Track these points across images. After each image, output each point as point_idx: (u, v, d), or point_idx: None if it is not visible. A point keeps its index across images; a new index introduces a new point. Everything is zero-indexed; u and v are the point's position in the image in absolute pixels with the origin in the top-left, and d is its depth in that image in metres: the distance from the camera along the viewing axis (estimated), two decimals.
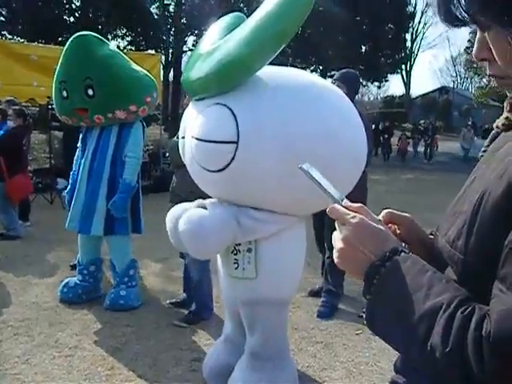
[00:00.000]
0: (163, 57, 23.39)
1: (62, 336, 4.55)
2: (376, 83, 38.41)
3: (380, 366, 4.10)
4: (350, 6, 27.36)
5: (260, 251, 2.89)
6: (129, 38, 27.04)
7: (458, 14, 0.95)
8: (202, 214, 2.77)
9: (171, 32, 26.27)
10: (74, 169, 5.29)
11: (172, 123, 18.82)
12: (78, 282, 5.33)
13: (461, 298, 0.94)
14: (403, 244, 1.14)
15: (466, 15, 0.94)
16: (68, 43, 4.98)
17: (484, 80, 30.04)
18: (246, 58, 2.51)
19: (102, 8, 23.15)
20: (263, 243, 2.89)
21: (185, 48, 26.21)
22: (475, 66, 26.95)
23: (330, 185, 1.15)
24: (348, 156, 2.79)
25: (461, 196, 1.15)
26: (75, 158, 5.34)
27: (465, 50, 33.18)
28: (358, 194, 4.47)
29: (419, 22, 46.42)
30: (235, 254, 2.92)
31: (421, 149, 25.79)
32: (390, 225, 1.23)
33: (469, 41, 28.56)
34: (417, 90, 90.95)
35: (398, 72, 41.40)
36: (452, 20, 0.98)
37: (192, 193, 3.23)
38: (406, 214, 1.30)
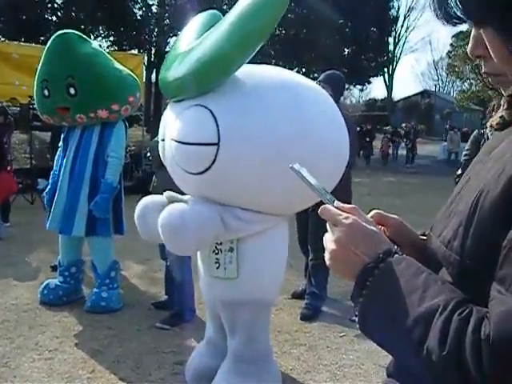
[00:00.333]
0: (146, 57, 23.29)
1: (42, 338, 4.48)
2: (359, 86, 38.61)
3: (364, 368, 4.09)
4: (334, 9, 27.43)
5: (242, 251, 2.86)
6: (112, 38, 26.90)
7: (454, 10, 0.93)
8: (184, 209, 2.70)
9: (154, 32, 26.17)
10: (54, 168, 5.22)
11: (154, 124, 18.75)
12: (59, 283, 5.26)
13: (457, 300, 0.92)
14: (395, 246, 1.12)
15: (462, 12, 0.92)
16: (50, 41, 4.92)
17: (466, 84, 30.31)
18: (225, 55, 2.48)
19: (85, 7, 22.97)
20: (245, 243, 2.86)
21: (167, 49, 26.10)
22: (457, 70, 27.20)
23: (320, 185, 1.13)
24: (330, 156, 2.79)
25: (455, 196, 1.13)
26: (56, 157, 5.27)
27: (447, 53, 33.44)
28: (342, 195, 4.47)
29: (402, 26, 46.75)
30: (216, 254, 2.89)
31: (402, 152, 25.94)
32: (378, 226, 1.21)
33: (451, 45, 28.82)
34: (399, 94, 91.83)
35: (380, 75, 41.60)
36: (448, 17, 0.96)
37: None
38: (395, 216, 1.28)
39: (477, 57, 1.02)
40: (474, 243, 0.97)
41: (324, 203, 1.12)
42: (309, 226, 4.96)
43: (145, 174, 12.14)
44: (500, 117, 1.10)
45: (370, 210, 1.26)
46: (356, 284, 1.03)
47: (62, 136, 5.23)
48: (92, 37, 24.15)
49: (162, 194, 3.95)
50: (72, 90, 4.74)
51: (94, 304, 5.03)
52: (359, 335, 4.44)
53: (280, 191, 2.62)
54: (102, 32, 26.66)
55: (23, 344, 4.36)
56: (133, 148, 14.32)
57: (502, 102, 1.10)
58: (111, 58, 5.12)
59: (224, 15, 2.91)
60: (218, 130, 2.53)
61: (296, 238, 5.35)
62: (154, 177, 4.81)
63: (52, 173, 5.26)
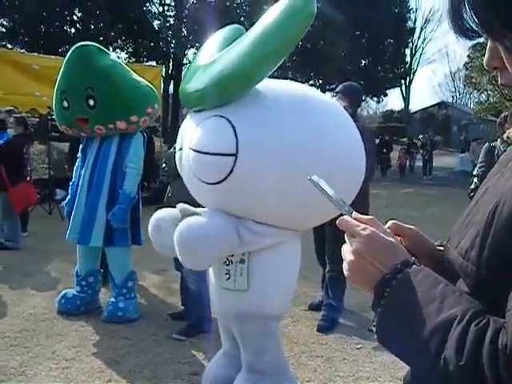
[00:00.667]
0: (164, 69, 23.44)
1: (59, 348, 4.50)
2: (375, 98, 38.54)
3: (380, 380, 4.06)
4: (351, 20, 27.50)
5: (253, 263, 2.84)
6: (130, 50, 27.14)
7: (470, 23, 0.93)
8: (201, 223, 2.68)
9: (172, 44, 26.35)
10: (73, 179, 5.26)
11: (171, 135, 18.84)
12: (76, 293, 5.29)
13: (474, 311, 0.92)
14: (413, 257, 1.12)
15: (478, 25, 0.92)
16: (69, 53, 4.98)
17: (483, 95, 30.12)
18: (247, 69, 2.49)
19: (104, 20, 23.21)
20: (256, 255, 2.84)
21: (185, 60, 26.28)
22: (474, 81, 27.03)
23: (339, 197, 1.14)
24: (347, 169, 2.78)
25: (473, 207, 1.13)
26: (74, 168, 5.32)
27: (464, 65, 33.26)
28: (360, 207, 4.46)
29: (419, 38, 46.75)
30: (227, 265, 2.87)
31: (418, 163, 25.70)
32: (395, 237, 1.21)
33: (468, 56, 28.66)
34: (416, 105, 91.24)
35: (397, 86, 41.54)
36: (464, 31, 0.96)
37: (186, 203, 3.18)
38: (412, 226, 1.28)
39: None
40: (490, 254, 0.97)
41: (342, 214, 1.12)
42: (326, 237, 4.95)
43: (161, 184, 12.18)
44: None
45: (387, 221, 1.26)
46: (374, 295, 1.04)
47: (81, 147, 5.27)
48: (110, 48, 24.37)
49: (176, 205, 3.96)
50: (91, 102, 4.78)
51: (111, 314, 5.05)
52: (376, 347, 4.42)
53: (295, 205, 2.62)
54: (120, 44, 26.92)
55: (40, 353, 4.39)
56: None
57: None
58: (130, 70, 5.16)
59: (241, 28, 2.94)
60: (237, 141, 2.54)
61: (313, 249, 5.34)
62: (169, 187, 4.83)
63: (71, 184, 5.30)
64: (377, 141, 23.58)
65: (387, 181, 20.91)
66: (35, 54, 13.87)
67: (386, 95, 38.67)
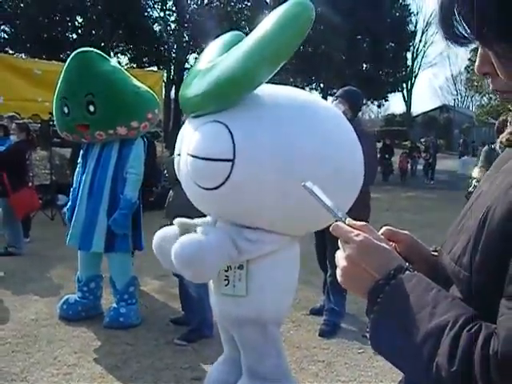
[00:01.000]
0: (165, 74, 23.49)
1: (60, 353, 4.50)
2: (376, 102, 38.51)
3: None
4: (351, 24, 27.52)
5: (251, 268, 2.85)
6: (131, 55, 27.19)
7: (461, 31, 0.94)
8: (199, 240, 2.71)
9: (173, 49, 26.41)
10: (74, 185, 5.27)
11: (173, 140, 18.84)
12: (78, 298, 5.29)
13: (467, 316, 0.92)
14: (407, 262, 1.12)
15: (468, 32, 0.93)
16: (69, 59, 4.98)
17: (485, 98, 30.14)
18: (245, 73, 2.50)
19: (105, 25, 23.28)
20: (255, 260, 2.85)
21: (187, 65, 26.34)
22: (476, 84, 27.04)
23: (332, 203, 1.14)
24: (345, 174, 2.78)
25: (465, 212, 1.13)
26: (75, 174, 5.32)
27: (465, 68, 33.29)
28: (361, 211, 4.45)
29: (420, 41, 46.77)
30: (226, 271, 2.88)
31: (420, 167, 25.57)
32: (389, 242, 1.21)
33: (469, 59, 28.67)
34: (417, 109, 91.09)
35: (398, 90, 41.53)
36: (455, 38, 0.97)
37: (187, 209, 3.18)
38: (405, 232, 1.28)
39: (484, 74, 1.02)
40: (482, 259, 0.97)
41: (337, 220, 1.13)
42: (327, 242, 4.95)
43: (163, 189, 12.19)
44: (510, 133, 1.11)
45: (384, 225, 1.26)
46: (368, 301, 1.04)
47: (82, 153, 5.28)
48: (112, 54, 24.47)
49: (176, 209, 3.97)
50: (91, 108, 4.79)
51: (112, 319, 5.05)
52: None
53: (293, 210, 2.62)
54: (121, 49, 26.97)
55: (42, 359, 4.39)
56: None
57: (509, 119, 1.10)
58: (129, 75, 5.17)
59: (243, 33, 2.95)
60: (234, 147, 2.55)
61: (314, 254, 5.34)
62: (170, 191, 4.83)
63: (72, 189, 5.31)
64: (379, 145, 23.56)
65: (389, 185, 20.89)
66: (36, 59, 13.90)
67: (387, 99, 38.65)
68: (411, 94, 48.20)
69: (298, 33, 2.51)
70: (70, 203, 5.28)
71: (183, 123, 3.03)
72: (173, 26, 27.27)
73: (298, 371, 4.22)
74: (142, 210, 5.30)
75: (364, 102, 30.75)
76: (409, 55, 42.86)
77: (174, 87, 27.30)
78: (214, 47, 2.93)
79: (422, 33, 47.78)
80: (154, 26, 26.95)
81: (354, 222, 1.12)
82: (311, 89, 32.14)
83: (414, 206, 14.79)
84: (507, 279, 0.89)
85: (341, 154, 2.78)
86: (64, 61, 5.12)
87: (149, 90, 5.20)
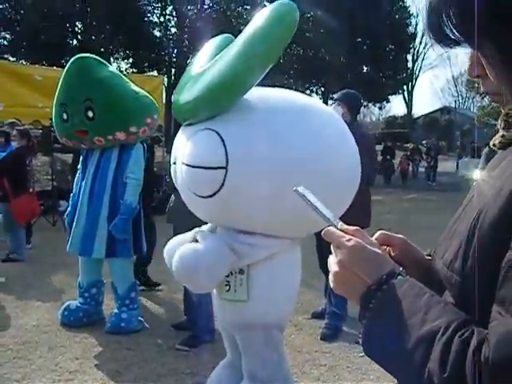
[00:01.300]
0: (166, 79, 23.53)
1: (62, 360, 4.50)
2: (377, 104, 38.52)
3: None
4: (351, 27, 27.56)
5: (252, 273, 2.84)
6: (131, 60, 27.25)
7: (448, 33, 0.93)
8: (195, 250, 2.71)
9: (173, 54, 26.46)
10: (74, 191, 5.27)
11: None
12: (79, 304, 5.29)
13: (459, 322, 0.91)
14: (400, 267, 1.11)
15: (457, 34, 0.92)
16: (68, 65, 5.00)
17: (486, 100, 30.11)
18: (237, 76, 2.50)
19: (105, 31, 23.34)
20: (256, 265, 2.83)
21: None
22: (476, 85, 27.00)
23: (324, 207, 1.14)
24: (340, 176, 2.77)
25: (458, 217, 1.12)
26: (75, 180, 5.33)
27: (466, 69, 33.29)
28: (361, 214, 4.45)
29: (420, 43, 46.64)
30: (227, 276, 2.87)
31: (422, 169, 25.50)
32: (383, 246, 1.20)
33: None
34: (419, 110, 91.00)
35: (399, 93, 41.50)
36: (443, 39, 0.96)
37: (188, 214, 3.18)
38: (399, 235, 1.27)
39: (475, 77, 1.02)
40: (473, 264, 0.96)
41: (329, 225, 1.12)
42: (328, 245, 4.93)
43: (165, 194, 12.19)
44: (501, 136, 1.10)
45: (380, 229, 1.25)
46: (360, 306, 1.03)
47: (81, 158, 5.28)
48: (112, 59, 24.51)
49: (178, 214, 3.97)
50: (90, 113, 4.79)
51: (113, 325, 5.05)
52: None
53: (289, 213, 2.61)
54: (121, 54, 27.03)
55: (43, 365, 4.38)
56: (154, 169, 14.40)
57: (499, 122, 1.10)
58: (128, 81, 5.18)
59: (231, 37, 2.95)
60: (227, 154, 2.54)
61: (316, 257, 5.32)
62: (172, 196, 4.83)
63: (71, 195, 5.31)
64: (380, 147, 23.53)
65: (390, 187, 20.89)
66: (37, 65, 13.92)
67: (388, 101, 38.66)
68: (412, 96, 48.24)
69: (285, 34, 2.51)
70: (69, 209, 5.28)
71: None
72: (173, 30, 27.33)
73: (299, 375, 4.21)
74: (142, 215, 5.29)
75: (363, 104, 30.80)
76: (409, 57, 42.92)
77: (174, 92, 27.33)
78: (205, 51, 2.93)
79: (422, 35, 47.40)
80: (154, 31, 27.02)
81: (347, 226, 1.11)
82: (312, 92, 32.18)
83: (416, 207, 14.79)
84: (498, 284, 0.88)
85: (335, 156, 2.76)
86: (64, 67, 5.13)
87: (148, 95, 5.21)
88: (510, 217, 0.90)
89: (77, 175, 5.33)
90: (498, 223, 0.91)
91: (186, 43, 25.41)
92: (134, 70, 25.17)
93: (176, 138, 2.91)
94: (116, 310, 5.17)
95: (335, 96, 5.16)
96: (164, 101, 14.34)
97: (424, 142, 27.29)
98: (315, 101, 3.12)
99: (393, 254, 1.21)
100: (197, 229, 2.99)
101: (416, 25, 39.61)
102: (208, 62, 2.69)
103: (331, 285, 1.09)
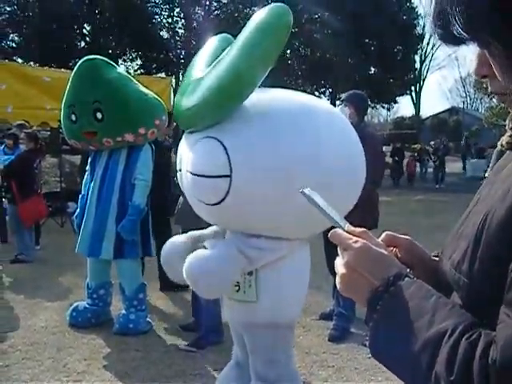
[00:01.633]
0: (173, 80, 23.58)
1: (70, 361, 4.51)
2: (385, 105, 38.39)
3: None
4: (359, 28, 27.50)
5: (261, 274, 2.84)
6: (139, 62, 27.31)
7: (455, 31, 0.91)
8: (207, 257, 2.71)
9: (181, 55, 26.50)
10: (82, 192, 5.29)
11: None
12: (88, 305, 5.30)
13: (466, 324, 0.90)
14: (407, 268, 1.11)
15: (463, 33, 0.91)
16: (76, 67, 5.02)
17: (494, 100, 29.97)
18: (241, 76, 2.48)
19: (113, 33, 23.41)
20: (265, 266, 2.84)
21: None
22: (485, 86, 26.83)
23: (331, 209, 1.13)
24: (343, 177, 2.75)
25: (465, 218, 1.11)
26: (84, 181, 5.34)
27: (473, 69, 33.15)
28: (369, 215, 4.44)
29: (428, 44, 46.48)
30: None
31: (430, 170, 25.31)
32: (390, 248, 1.20)
33: None
34: (427, 111, 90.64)
35: (407, 93, 41.36)
36: (449, 38, 0.94)
37: (196, 216, 3.18)
38: (406, 236, 1.26)
39: (482, 77, 1.00)
40: (481, 265, 0.95)
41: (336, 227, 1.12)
42: (336, 246, 4.92)
43: (173, 196, 12.19)
44: (509, 136, 1.09)
45: (384, 230, 1.25)
46: (367, 308, 1.02)
47: (89, 160, 5.30)
48: (120, 61, 24.56)
49: (186, 215, 3.97)
50: (99, 115, 4.81)
51: (122, 326, 5.06)
52: None
53: (295, 215, 2.60)
54: (129, 56, 27.09)
55: (52, 366, 4.40)
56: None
57: (507, 122, 1.09)
58: (136, 82, 5.18)
59: (230, 36, 2.94)
60: (230, 162, 2.54)
61: (324, 258, 5.31)
62: (180, 198, 4.83)
63: (80, 197, 5.33)
64: (389, 148, 23.43)
65: (399, 188, 20.84)
66: (45, 67, 13.96)
67: (396, 102, 38.51)
68: (420, 97, 48.09)
69: (279, 38, 2.50)
70: (78, 210, 5.30)
71: None
72: (180, 32, 27.37)
73: (307, 376, 4.20)
74: (150, 216, 5.30)
75: (370, 104, 30.69)
76: (417, 58, 42.75)
77: None
78: (203, 54, 2.91)
79: (430, 35, 47.42)
80: (162, 33, 27.06)
81: (353, 228, 1.10)
82: (320, 93, 32.14)
83: (424, 209, 14.74)
84: (507, 286, 0.87)
85: (337, 156, 2.74)
86: (73, 69, 5.15)
87: (156, 96, 5.22)
88: None
89: (85, 177, 5.35)
90: (505, 224, 0.91)
91: (193, 44, 25.43)
92: (142, 72, 25.22)
93: (180, 145, 2.90)
94: (124, 311, 5.17)
95: (342, 97, 5.17)
96: (172, 102, 14.35)
97: (432, 142, 27.14)
98: (316, 100, 3.08)
99: (399, 255, 1.20)
100: (191, 232, 3.00)
101: (424, 26, 39.34)
102: (207, 67, 2.68)
103: (338, 287, 1.09)
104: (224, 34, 3.03)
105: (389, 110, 42.89)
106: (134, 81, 5.20)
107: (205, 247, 2.86)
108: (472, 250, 0.98)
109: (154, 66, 26.82)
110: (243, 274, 2.84)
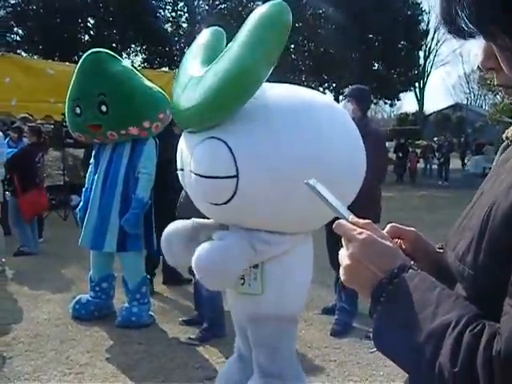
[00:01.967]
0: None
1: (73, 353, 4.53)
2: (388, 101, 38.28)
3: None
4: (363, 23, 27.43)
5: (266, 267, 2.85)
6: (143, 56, 27.28)
7: (463, 24, 0.92)
8: (218, 248, 2.71)
9: (185, 49, 26.45)
10: (86, 186, 5.30)
11: None
12: (90, 298, 5.32)
13: (470, 316, 0.91)
14: (411, 260, 1.11)
15: (471, 26, 0.91)
16: (81, 60, 5.02)
17: (498, 97, 29.90)
18: (249, 69, 2.46)
19: (117, 26, 23.38)
20: (270, 259, 2.85)
21: None
22: (489, 82, 26.82)
23: (336, 200, 1.13)
24: (343, 172, 2.75)
25: (469, 210, 1.12)
26: (87, 174, 5.35)
27: (478, 66, 33.06)
28: (372, 210, 4.43)
29: (432, 39, 46.36)
30: None
31: (434, 166, 25.18)
32: (395, 239, 1.19)
33: None
34: (430, 107, 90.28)
35: (411, 89, 41.24)
36: (457, 31, 0.94)
37: (197, 209, 3.18)
38: (411, 228, 1.27)
39: (489, 69, 1.00)
40: (486, 257, 0.95)
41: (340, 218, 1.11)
42: (338, 241, 4.91)
43: (176, 189, 12.19)
44: None
45: (389, 223, 1.25)
46: (371, 300, 1.02)
47: (93, 153, 5.30)
48: (124, 55, 24.55)
49: (188, 208, 3.97)
50: (104, 108, 4.81)
51: (124, 319, 5.07)
52: None
53: (306, 210, 2.60)
54: (133, 49, 27.06)
55: (54, 358, 4.42)
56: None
57: None
58: (141, 76, 5.19)
59: (221, 30, 2.92)
60: (236, 162, 2.52)
61: (327, 253, 5.32)
62: (182, 192, 4.83)
63: (84, 190, 5.34)
64: (393, 144, 23.36)
65: (402, 184, 20.82)
66: (49, 60, 13.93)
67: (399, 98, 38.37)
68: (424, 93, 47.94)
69: (280, 35, 2.48)
70: (82, 204, 5.30)
71: None
72: (184, 26, 27.32)
73: (309, 371, 4.20)
74: (153, 209, 5.31)
75: (373, 99, 30.64)
76: (421, 54, 42.53)
77: None
78: (198, 48, 2.87)
79: (434, 31, 47.29)
80: (166, 27, 27.02)
81: (358, 219, 1.10)
82: (324, 89, 32.07)
83: (427, 204, 14.74)
84: (511, 278, 0.88)
85: (340, 152, 2.74)
86: (77, 62, 5.15)
87: (160, 90, 5.22)
88: None
89: (89, 170, 5.35)
90: (509, 217, 0.91)
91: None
92: (146, 65, 25.20)
93: (179, 144, 2.88)
94: (127, 304, 5.19)
95: (345, 92, 5.16)
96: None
97: (435, 138, 27.06)
98: (318, 95, 3.07)
99: (404, 247, 1.20)
100: (195, 219, 2.99)
101: (428, 21, 39.38)
102: (203, 64, 2.65)
103: (342, 278, 1.09)
104: (216, 28, 3.00)
105: (392, 105, 42.72)
106: (139, 74, 5.20)
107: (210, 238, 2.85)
108: (477, 242, 0.98)
109: (158, 59, 26.80)
110: (249, 267, 2.85)
